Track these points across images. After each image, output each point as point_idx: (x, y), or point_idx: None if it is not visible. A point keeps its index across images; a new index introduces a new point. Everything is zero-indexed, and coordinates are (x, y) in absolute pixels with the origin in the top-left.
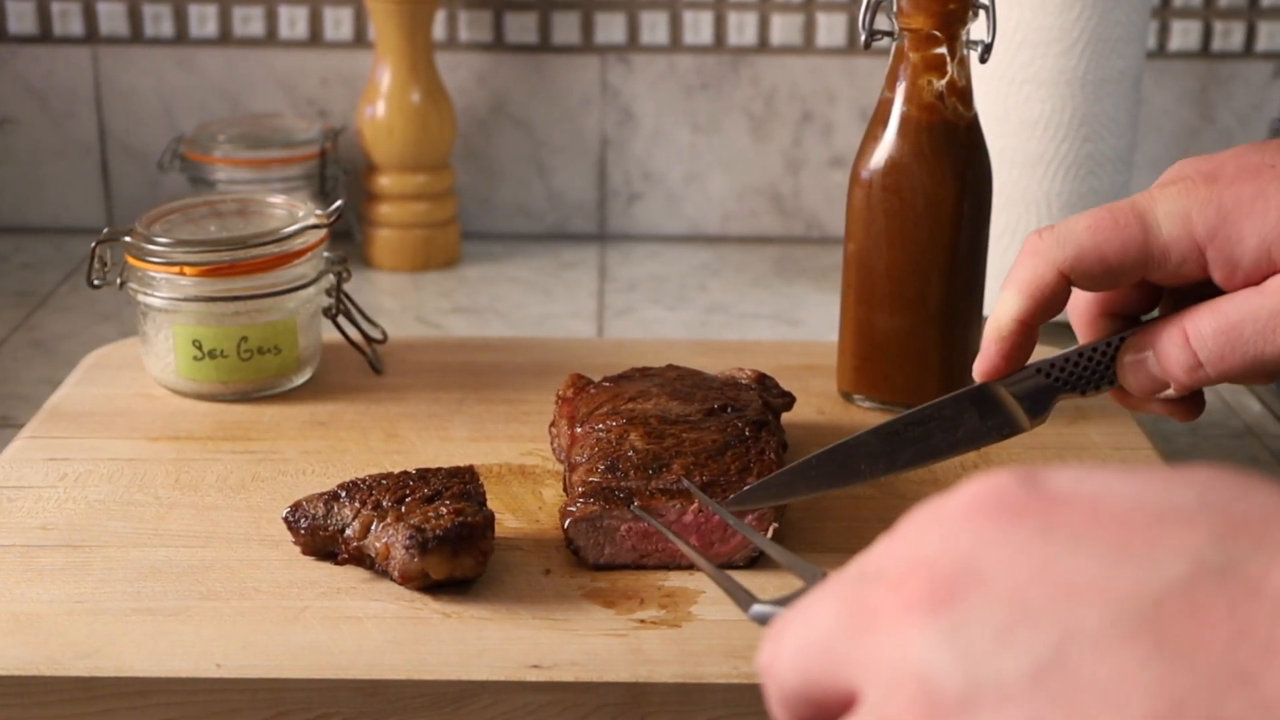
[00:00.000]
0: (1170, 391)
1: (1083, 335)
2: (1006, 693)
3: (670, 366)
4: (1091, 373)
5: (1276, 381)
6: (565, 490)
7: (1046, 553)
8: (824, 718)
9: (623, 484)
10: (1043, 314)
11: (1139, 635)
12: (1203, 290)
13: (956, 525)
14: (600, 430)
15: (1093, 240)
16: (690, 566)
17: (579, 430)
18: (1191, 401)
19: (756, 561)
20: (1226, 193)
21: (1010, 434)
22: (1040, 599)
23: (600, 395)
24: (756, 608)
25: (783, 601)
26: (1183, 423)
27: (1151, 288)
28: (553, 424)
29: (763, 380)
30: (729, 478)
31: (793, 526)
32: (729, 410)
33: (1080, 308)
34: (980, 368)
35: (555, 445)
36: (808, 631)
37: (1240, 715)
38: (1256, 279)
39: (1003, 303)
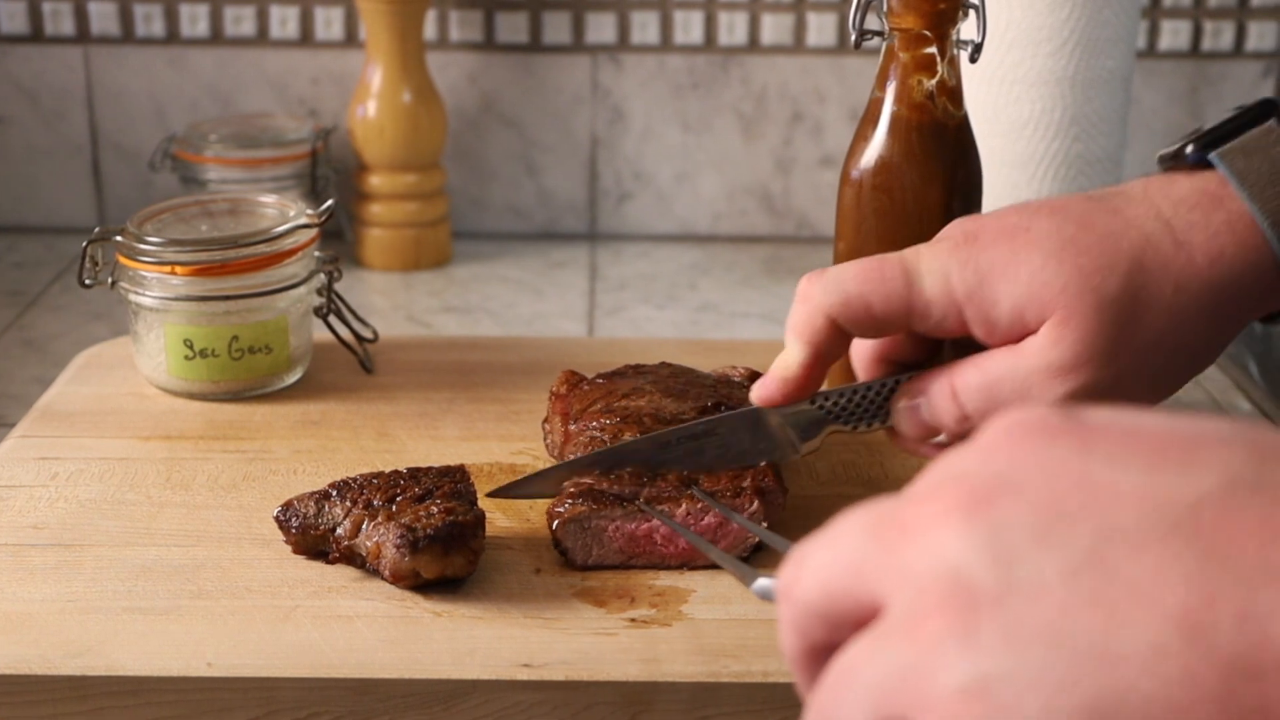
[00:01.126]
0: (943, 437)
1: (861, 376)
2: (1043, 588)
3: (664, 364)
4: (864, 410)
5: (1264, 381)
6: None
7: (1084, 464)
8: (838, 638)
9: (614, 488)
10: (823, 359)
11: (1174, 535)
12: (976, 343)
13: (992, 446)
14: (594, 428)
15: (859, 289)
16: (678, 567)
17: (572, 428)
18: None
19: (745, 561)
20: (983, 255)
21: (782, 458)
22: (1078, 504)
23: (594, 392)
24: (760, 581)
25: None
26: None
27: (930, 340)
28: (546, 420)
29: (755, 378)
30: (727, 483)
31: (783, 528)
32: (722, 408)
33: (860, 350)
34: (758, 394)
35: (548, 442)
36: (834, 550)
37: (1271, 609)
38: (1014, 338)
39: (787, 348)
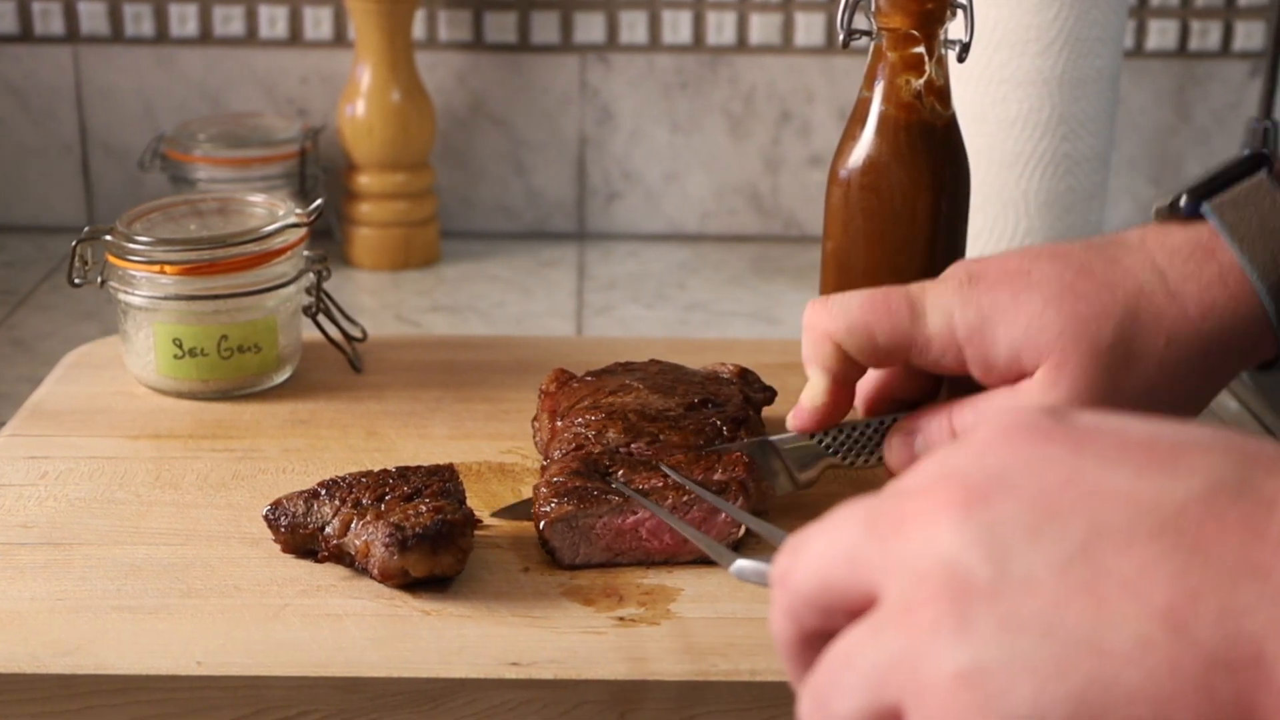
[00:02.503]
0: None
1: (862, 412)
2: (1035, 581)
3: (653, 361)
4: (861, 446)
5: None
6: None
7: (1076, 464)
8: (831, 626)
9: (594, 484)
10: (843, 382)
11: (1161, 534)
12: (975, 382)
13: (987, 445)
14: (579, 425)
15: (864, 318)
16: (664, 563)
17: (558, 424)
18: None
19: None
20: (985, 296)
21: (780, 488)
22: (1069, 502)
23: (582, 390)
24: (739, 563)
25: (767, 559)
26: None
27: (931, 378)
28: (535, 419)
29: (744, 375)
30: (700, 476)
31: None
32: (709, 405)
33: (864, 386)
34: (795, 423)
35: (537, 440)
36: (830, 540)
37: (1250, 604)
38: (1011, 379)
39: (810, 379)
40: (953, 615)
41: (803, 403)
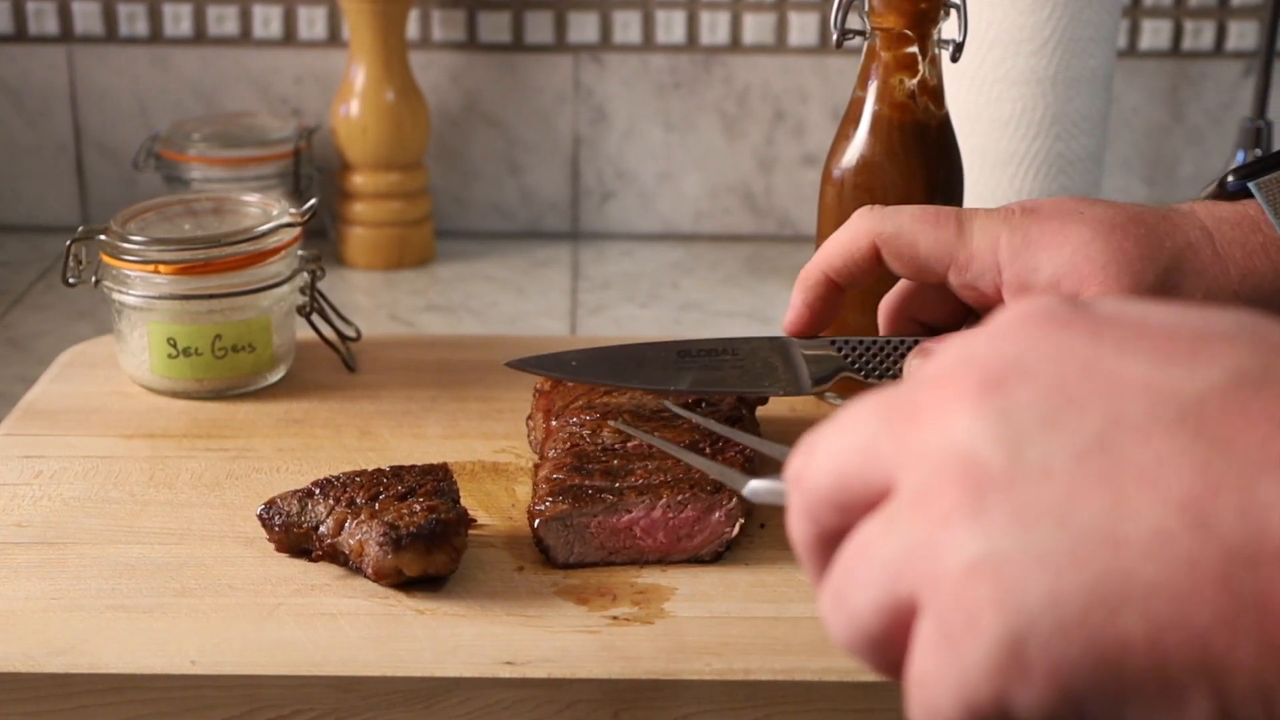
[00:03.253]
0: None
1: (884, 329)
2: (1051, 471)
3: None
4: (880, 361)
5: None
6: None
7: (1094, 353)
8: (848, 523)
9: (588, 482)
10: (848, 275)
11: (1181, 426)
12: None
13: (1003, 332)
14: (574, 424)
15: (912, 226)
16: (658, 561)
17: (554, 424)
18: None
19: (722, 556)
20: (1035, 225)
21: (791, 392)
22: (1087, 390)
23: (576, 389)
24: (753, 484)
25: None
26: None
27: (956, 305)
28: (530, 417)
29: None
30: (693, 476)
31: (765, 522)
32: (703, 405)
33: (888, 302)
34: (787, 319)
35: (532, 439)
36: (845, 435)
37: (1270, 499)
38: None
39: (815, 255)
40: (966, 504)
41: (795, 290)
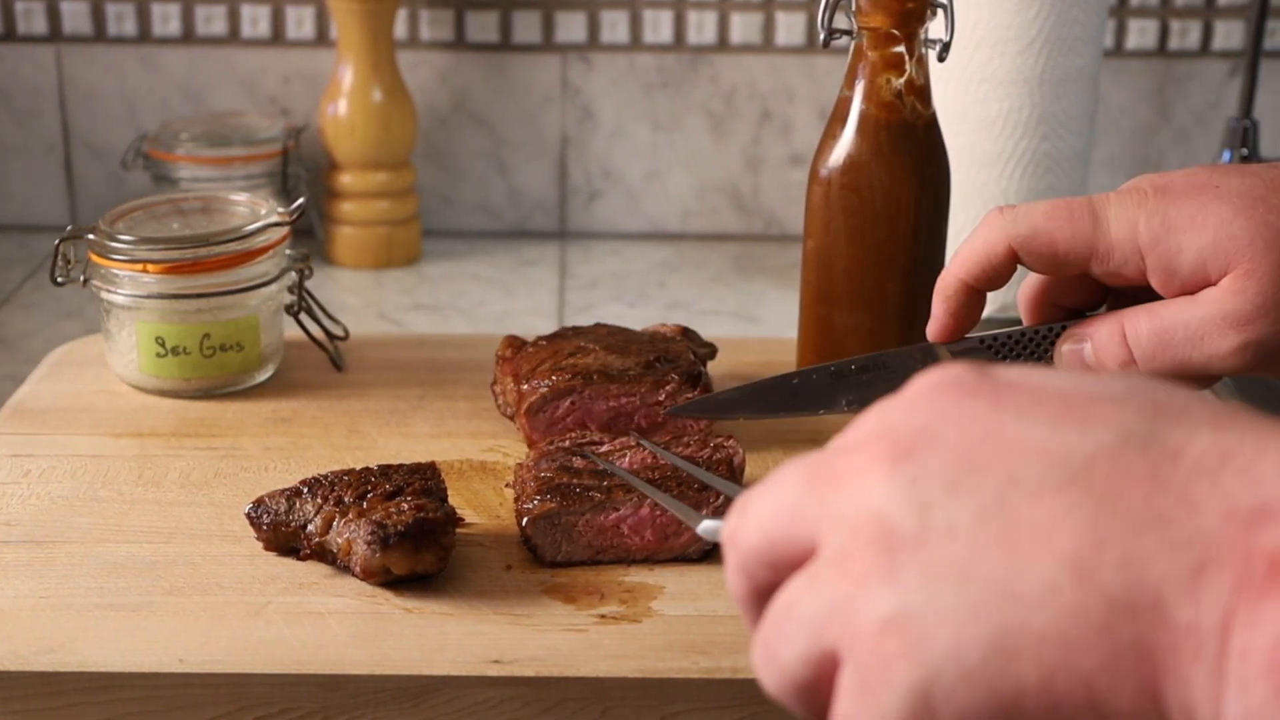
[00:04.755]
0: None
1: (1027, 319)
2: (955, 531)
3: (599, 325)
4: (1030, 353)
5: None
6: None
7: (996, 420)
8: (779, 579)
9: (576, 481)
10: (986, 280)
11: (1071, 486)
12: (1145, 295)
13: (916, 400)
14: (545, 386)
15: (1047, 225)
16: (644, 560)
17: (524, 387)
18: None
19: (709, 555)
20: (1172, 206)
21: None
22: (987, 456)
23: (539, 354)
24: (705, 523)
25: None
26: None
27: (1097, 286)
28: (495, 384)
29: (686, 332)
30: (680, 474)
31: None
32: (663, 362)
33: (1029, 292)
34: (930, 327)
35: (500, 403)
36: (774, 498)
37: (1152, 551)
38: (1192, 289)
39: (951, 263)
40: (880, 564)
41: (935, 298)
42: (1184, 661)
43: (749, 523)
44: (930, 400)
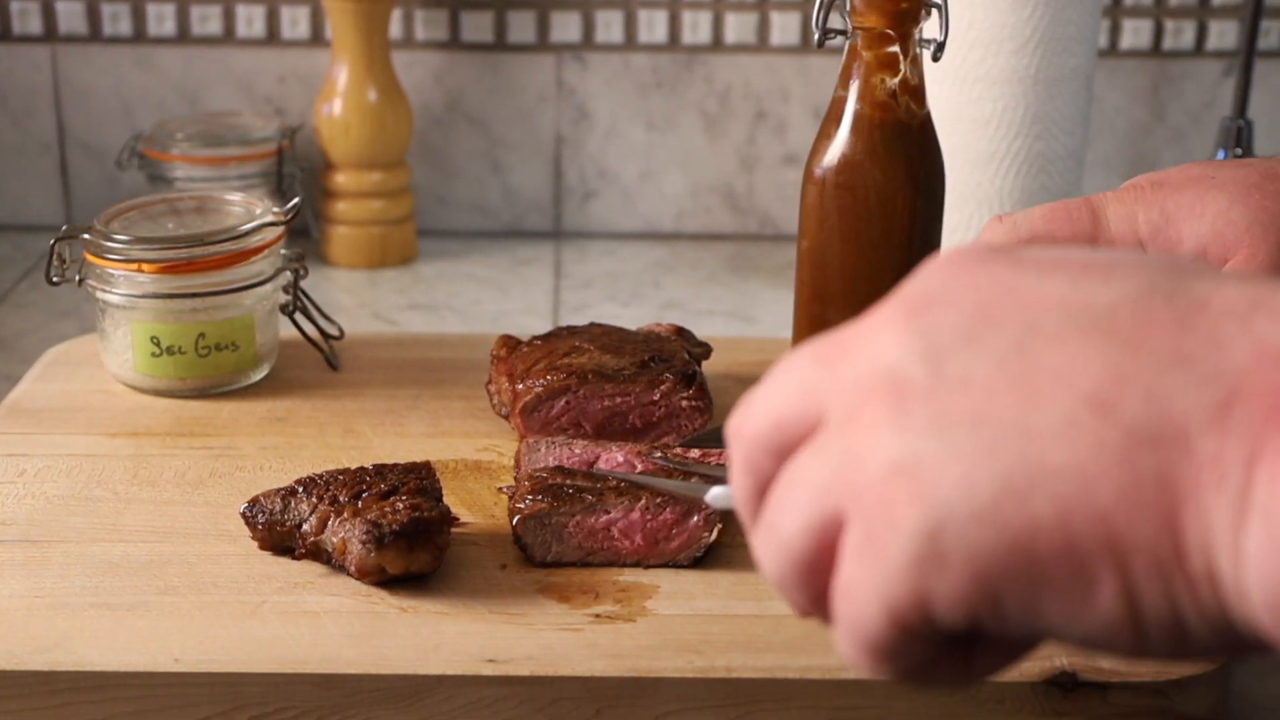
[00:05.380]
0: None
1: None
2: (970, 379)
3: (594, 324)
4: None
5: None
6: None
7: (1014, 278)
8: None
9: (569, 482)
10: None
11: (1093, 330)
12: None
13: (929, 272)
14: (540, 385)
15: (1047, 226)
16: (635, 564)
17: (520, 386)
18: None
19: (701, 561)
20: (1170, 199)
21: None
22: (1005, 310)
23: (534, 353)
24: (713, 491)
25: None
26: None
27: None
28: (490, 383)
29: (680, 332)
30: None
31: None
32: (657, 361)
33: None
34: None
35: (495, 402)
36: (780, 383)
37: (1178, 387)
38: None
39: None
40: (889, 414)
41: None
42: (1206, 492)
43: (754, 412)
44: (944, 268)
